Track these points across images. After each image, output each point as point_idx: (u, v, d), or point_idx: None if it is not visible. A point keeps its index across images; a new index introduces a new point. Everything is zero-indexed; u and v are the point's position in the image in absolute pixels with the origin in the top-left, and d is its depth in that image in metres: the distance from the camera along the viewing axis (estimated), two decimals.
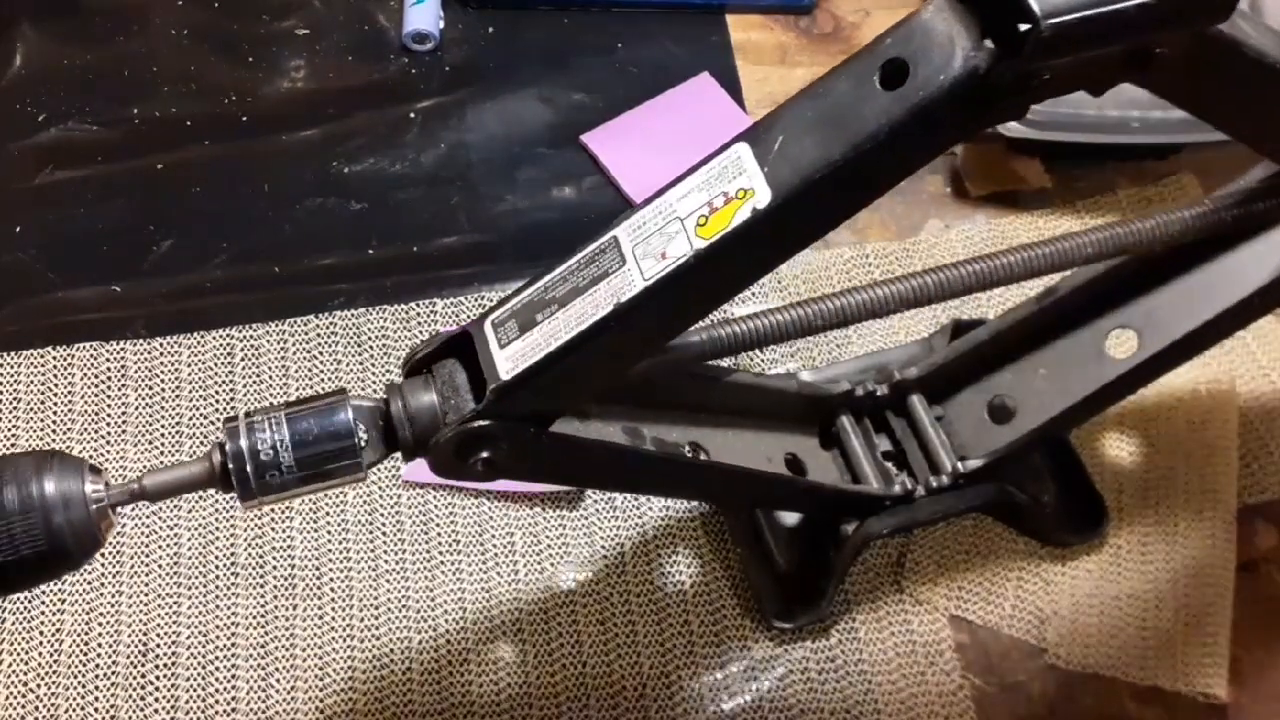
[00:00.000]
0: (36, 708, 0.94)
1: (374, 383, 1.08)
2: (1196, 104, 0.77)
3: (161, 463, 1.04)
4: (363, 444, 0.70)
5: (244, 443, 0.68)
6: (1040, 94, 0.62)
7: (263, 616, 0.98)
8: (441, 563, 1.00)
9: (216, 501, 1.02)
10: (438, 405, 0.70)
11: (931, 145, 0.66)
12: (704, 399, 0.91)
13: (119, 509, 0.69)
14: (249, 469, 0.68)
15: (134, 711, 0.94)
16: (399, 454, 0.73)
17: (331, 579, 0.99)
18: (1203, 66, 0.66)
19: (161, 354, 1.09)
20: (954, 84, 0.60)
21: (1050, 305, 0.95)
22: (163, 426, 1.05)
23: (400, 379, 0.73)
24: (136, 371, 1.08)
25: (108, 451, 1.04)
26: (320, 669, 0.96)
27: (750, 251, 0.67)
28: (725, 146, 0.66)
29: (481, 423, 0.69)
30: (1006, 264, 0.80)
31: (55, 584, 0.97)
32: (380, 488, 1.03)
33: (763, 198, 0.64)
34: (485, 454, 0.71)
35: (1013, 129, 1.13)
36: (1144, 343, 0.92)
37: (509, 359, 0.69)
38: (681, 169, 1.19)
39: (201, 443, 1.05)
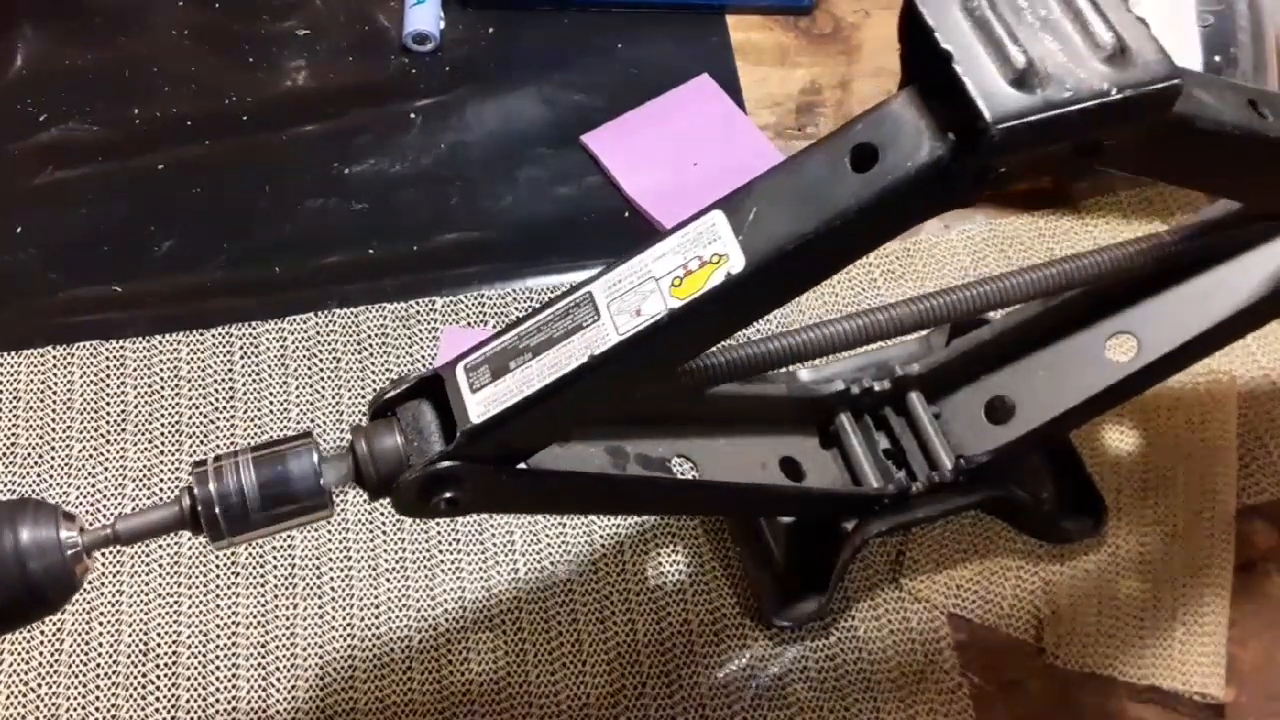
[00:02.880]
0: (37, 707, 0.94)
1: (373, 381, 1.08)
2: (1158, 174, 0.80)
3: (160, 461, 1.04)
4: (327, 485, 0.72)
5: (212, 487, 0.70)
6: (998, 184, 0.66)
7: (263, 615, 0.98)
8: (441, 561, 1.00)
9: None
10: (401, 448, 0.72)
11: (896, 224, 0.70)
12: (693, 409, 0.92)
13: (93, 554, 0.70)
14: (218, 512, 0.70)
15: (135, 711, 0.94)
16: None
17: (332, 577, 0.99)
18: (1157, 145, 0.69)
19: (161, 352, 1.09)
20: (919, 171, 0.64)
21: (1053, 306, 0.95)
22: (162, 424, 1.06)
23: (366, 420, 0.75)
24: (135, 369, 1.08)
25: (107, 450, 1.04)
26: (321, 668, 0.96)
27: (723, 312, 0.70)
28: (700, 214, 0.70)
29: (446, 464, 0.71)
30: (976, 294, 0.85)
31: None
32: None
33: (737, 263, 0.67)
34: (448, 494, 0.73)
35: None
36: (1144, 348, 0.93)
37: (480, 403, 0.71)
38: (681, 169, 1.20)
39: (200, 441, 1.05)
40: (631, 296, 0.70)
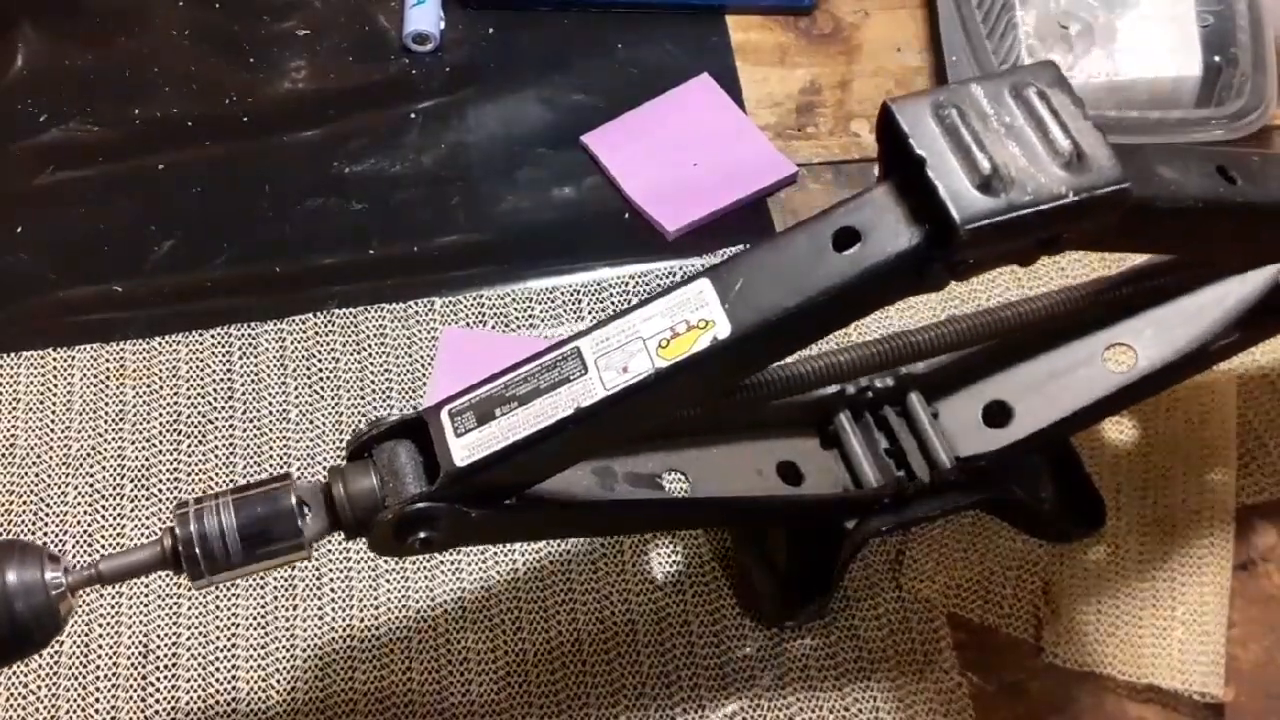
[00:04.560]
0: (38, 709, 0.94)
1: (372, 381, 1.08)
2: (1123, 249, 0.85)
3: (158, 460, 1.04)
4: (305, 526, 0.75)
5: (193, 528, 0.73)
6: (968, 273, 0.72)
7: (263, 617, 0.98)
8: (441, 561, 1.00)
9: None
10: (377, 488, 0.75)
11: (871, 303, 0.76)
12: (685, 419, 0.92)
13: (78, 592, 0.74)
14: (198, 552, 0.73)
15: (135, 712, 0.94)
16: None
17: (331, 578, 1.00)
18: (1118, 229, 0.73)
19: (160, 352, 1.09)
20: (898, 257, 0.70)
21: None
22: (160, 423, 1.06)
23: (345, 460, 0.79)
24: (135, 370, 1.08)
25: (105, 449, 1.04)
26: (320, 669, 0.96)
27: (707, 373, 0.74)
28: (687, 281, 0.74)
29: (421, 505, 0.74)
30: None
31: None
32: None
33: (723, 330, 0.72)
34: (423, 534, 0.76)
35: None
36: (1140, 360, 0.95)
37: (465, 447, 0.74)
38: (681, 169, 1.20)
39: (199, 441, 1.05)
40: (619, 354, 0.74)
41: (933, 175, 0.68)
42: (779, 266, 0.73)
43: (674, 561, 1.01)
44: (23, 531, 1.01)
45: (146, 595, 0.98)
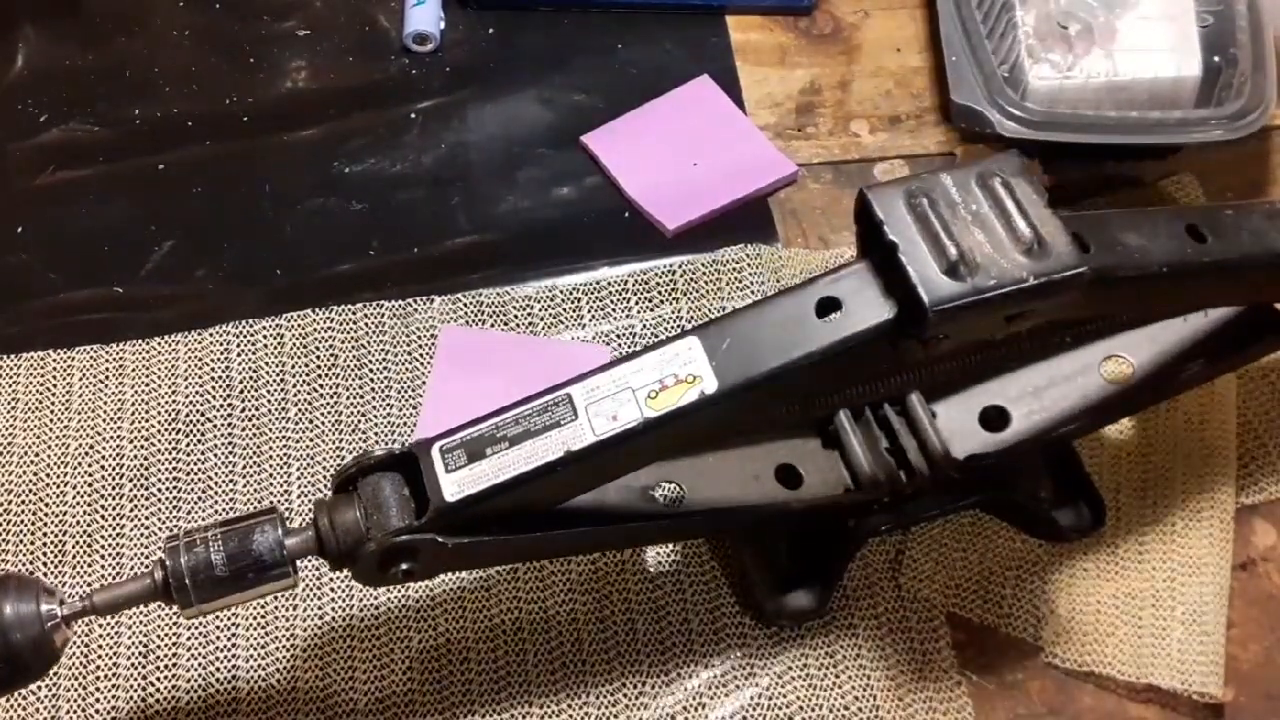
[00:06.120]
0: (38, 709, 0.94)
1: (370, 378, 1.08)
2: (1094, 314, 0.90)
3: (157, 459, 1.04)
4: (291, 557, 0.78)
5: (183, 560, 0.77)
6: (940, 347, 0.77)
7: (263, 617, 0.98)
8: None
9: (216, 502, 1.02)
10: (361, 521, 0.78)
11: (848, 368, 0.82)
12: None
13: (72, 624, 0.77)
14: (188, 583, 0.77)
15: (136, 712, 0.94)
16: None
17: (332, 578, 0.99)
18: (1084, 300, 0.77)
19: (159, 352, 1.09)
20: (875, 328, 0.76)
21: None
22: (158, 422, 1.06)
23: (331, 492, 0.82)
24: (134, 369, 1.08)
25: (103, 448, 1.04)
26: (321, 670, 0.96)
27: (693, 424, 0.78)
28: (677, 337, 0.79)
29: (403, 538, 0.77)
30: None
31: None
32: None
33: (710, 385, 0.76)
34: (404, 565, 0.79)
35: (1011, 129, 1.13)
36: (1139, 371, 0.97)
37: (455, 483, 0.77)
38: (681, 169, 1.20)
39: (197, 441, 1.05)
40: (609, 402, 0.77)
41: (904, 260, 0.74)
42: (763, 328, 0.78)
43: (673, 561, 1.01)
44: (21, 532, 1.01)
45: None
